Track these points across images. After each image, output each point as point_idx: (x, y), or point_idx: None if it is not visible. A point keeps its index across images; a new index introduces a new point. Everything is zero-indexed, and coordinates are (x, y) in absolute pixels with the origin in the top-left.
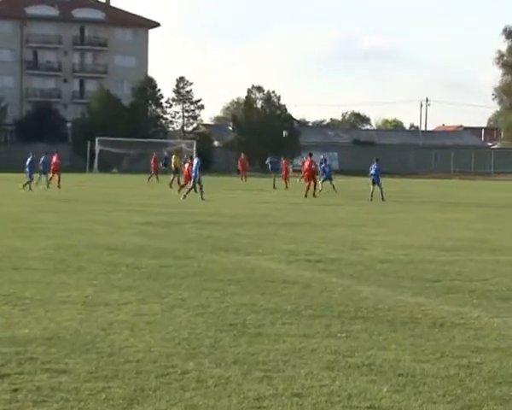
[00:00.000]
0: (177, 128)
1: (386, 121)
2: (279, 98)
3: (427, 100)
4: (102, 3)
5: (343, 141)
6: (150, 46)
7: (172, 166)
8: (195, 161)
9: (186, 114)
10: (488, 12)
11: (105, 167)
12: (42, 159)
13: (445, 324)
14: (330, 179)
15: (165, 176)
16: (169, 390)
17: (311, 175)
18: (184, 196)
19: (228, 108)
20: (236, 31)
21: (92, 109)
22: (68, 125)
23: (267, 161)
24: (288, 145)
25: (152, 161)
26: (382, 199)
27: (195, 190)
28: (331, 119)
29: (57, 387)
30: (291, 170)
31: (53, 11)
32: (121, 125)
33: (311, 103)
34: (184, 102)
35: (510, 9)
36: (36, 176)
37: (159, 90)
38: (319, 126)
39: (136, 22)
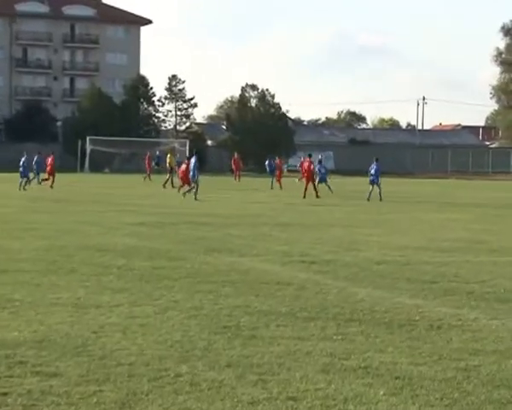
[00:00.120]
0: (169, 127)
1: (382, 120)
2: (273, 97)
3: (423, 98)
4: (93, 0)
5: (339, 140)
6: (142, 44)
7: (167, 165)
8: (193, 159)
9: (179, 113)
10: (486, 9)
11: (96, 167)
12: (35, 159)
13: (443, 326)
14: (325, 181)
15: (157, 176)
16: (162, 394)
17: (311, 176)
18: (195, 198)
19: (221, 106)
20: (230, 28)
21: (83, 108)
22: (59, 123)
23: (267, 163)
24: (283, 144)
25: (146, 161)
26: (380, 199)
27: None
28: (326, 117)
29: (48, 391)
30: (285, 170)
31: (43, 8)
32: (113, 124)
33: (306, 102)
34: (177, 101)
35: (508, 7)
36: (30, 175)
37: (151, 88)
38: (314, 125)
39: (127, 19)
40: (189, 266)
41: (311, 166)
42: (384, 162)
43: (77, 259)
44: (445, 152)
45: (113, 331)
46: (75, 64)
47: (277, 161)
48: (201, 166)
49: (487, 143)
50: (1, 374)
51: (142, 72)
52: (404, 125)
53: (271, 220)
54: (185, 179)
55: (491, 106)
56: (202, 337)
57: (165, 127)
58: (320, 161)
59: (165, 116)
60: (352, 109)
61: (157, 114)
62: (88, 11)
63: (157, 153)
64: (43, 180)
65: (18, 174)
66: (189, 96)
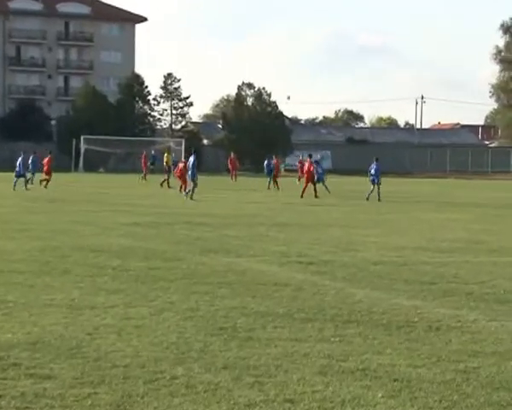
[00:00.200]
0: (165, 126)
1: (380, 119)
2: (270, 95)
3: (422, 97)
4: None
5: (336, 139)
6: (137, 41)
7: (164, 164)
8: (191, 158)
9: (174, 112)
10: (485, 8)
11: (91, 167)
12: (31, 158)
13: (442, 327)
14: (322, 181)
15: (152, 176)
16: (157, 396)
17: (311, 176)
18: (191, 197)
19: (217, 105)
20: (227, 26)
21: (77, 107)
22: (53, 122)
23: (266, 163)
24: (280, 144)
25: (142, 160)
26: (378, 199)
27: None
28: (324, 116)
29: (42, 393)
30: (282, 169)
31: (37, 5)
32: (107, 123)
33: (303, 101)
34: (172, 100)
35: (507, 4)
36: (27, 175)
37: (146, 86)
38: (312, 124)
39: (122, 17)
40: (185, 267)
41: (312, 167)
42: (382, 162)
43: (71, 260)
44: (444, 151)
45: (107, 333)
46: (69, 62)
47: (274, 160)
48: (198, 166)
49: (487, 142)
50: None
51: (137, 70)
52: (402, 124)
53: (268, 221)
54: (182, 178)
55: (491, 105)
56: (198, 339)
57: (161, 126)
58: (317, 162)
59: (161, 115)
60: (349, 108)
61: (152, 113)
62: (82, 9)
63: (152, 152)
64: (42, 181)
65: (12, 174)
66: (184, 94)
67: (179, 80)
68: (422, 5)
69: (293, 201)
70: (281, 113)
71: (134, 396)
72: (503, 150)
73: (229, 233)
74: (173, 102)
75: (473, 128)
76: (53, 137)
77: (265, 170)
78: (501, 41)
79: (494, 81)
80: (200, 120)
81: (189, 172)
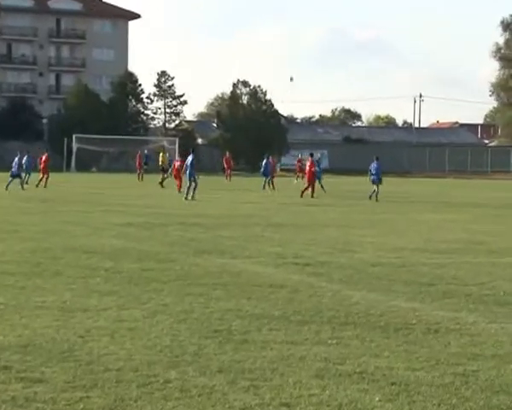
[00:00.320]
0: (158, 125)
1: (377, 118)
2: (265, 93)
3: (420, 95)
4: None
5: (333, 138)
6: (130, 39)
7: (160, 164)
8: (190, 158)
9: (168, 110)
10: (484, 5)
11: (83, 166)
12: (25, 158)
13: (440, 330)
14: (319, 179)
15: (147, 175)
16: (151, 400)
17: (312, 176)
18: (192, 198)
19: (212, 103)
20: (222, 23)
21: (69, 105)
22: (44, 121)
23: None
24: (276, 143)
25: (137, 160)
26: (376, 200)
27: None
28: (320, 115)
29: (33, 397)
30: (278, 169)
31: (28, 2)
32: (100, 122)
33: (299, 99)
34: (166, 98)
35: (507, 2)
36: (22, 175)
37: (139, 85)
38: (308, 123)
39: (115, 13)
40: (179, 269)
41: (313, 167)
42: (380, 161)
43: (63, 261)
44: (443, 151)
45: (100, 336)
46: (61, 60)
47: (270, 160)
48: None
49: (486, 141)
50: None
51: (130, 68)
52: (400, 122)
53: (264, 221)
54: (178, 178)
55: (490, 103)
56: (192, 342)
57: (154, 125)
58: (317, 161)
59: (154, 114)
60: (346, 107)
61: (146, 112)
62: (74, 5)
63: (145, 151)
64: (40, 180)
65: (2, 173)
66: (178, 92)
67: (173, 78)
68: (421, 2)
69: (289, 201)
70: (276, 111)
71: (127, 400)
72: (503, 150)
73: (224, 234)
74: (167, 100)
75: (472, 127)
76: (44, 136)
77: (262, 169)
78: (500, 39)
79: (494, 79)
80: (195, 119)
81: (187, 172)
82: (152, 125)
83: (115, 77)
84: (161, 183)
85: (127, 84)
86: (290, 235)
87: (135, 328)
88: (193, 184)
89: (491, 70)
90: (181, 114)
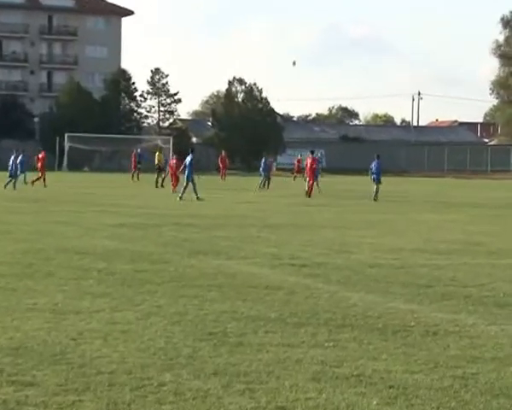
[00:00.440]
0: (152, 123)
1: (375, 116)
2: (261, 91)
3: (419, 93)
4: None
5: (330, 137)
6: (123, 36)
7: (156, 163)
8: (189, 158)
9: (162, 109)
10: (483, 2)
11: (75, 165)
12: (20, 158)
13: (439, 332)
14: (316, 179)
15: (142, 175)
16: (144, 404)
17: (314, 174)
18: (197, 198)
19: (207, 101)
20: (217, 19)
21: (61, 103)
22: (35, 119)
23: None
24: (272, 141)
25: (132, 159)
26: (374, 199)
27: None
28: (317, 113)
29: (24, 401)
30: (274, 168)
31: None
32: (92, 121)
33: (295, 97)
34: (160, 96)
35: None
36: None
37: (133, 83)
38: (304, 121)
39: (108, 10)
40: (173, 270)
41: (314, 164)
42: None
43: (55, 262)
44: (442, 150)
45: (92, 338)
46: (53, 57)
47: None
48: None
49: (486, 140)
50: None
51: (124, 65)
52: (398, 121)
53: (260, 221)
54: (174, 176)
55: (490, 101)
56: (187, 344)
57: (148, 124)
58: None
59: (148, 112)
60: (343, 105)
61: (139, 110)
62: (66, 1)
63: (138, 151)
64: (37, 180)
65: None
66: (172, 90)
67: (167, 76)
68: None
69: (285, 201)
70: (272, 109)
71: (120, 404)
72: (503, 148)
73: (219, 234)
74: (161, 98)
75: (471, 126)
76: (35, 135)
77: (261, 168)
78: (500, 36)
79: (493, 77)
80: (189, 117)
81: (185, 173)
82: (145, 124)
83: (108, 74)
84: (162, 183)
85: (120, 82)
86: (286, 235)
87: (128, 330)
88: (190, 184)
89: (491, 68)
90: (175, 113)
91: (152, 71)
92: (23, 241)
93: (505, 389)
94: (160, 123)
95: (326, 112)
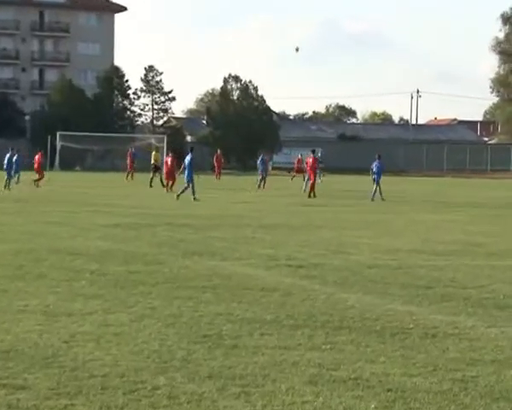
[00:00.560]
0: (145, 122)
1: (373, 114)
2: (257, 89)
3: (417, 91)
4: None
5: (327, 136)
6: (116, 32)
7: (152, 162)
8: (188, 157)
9: (156, 107)
10: None
11: (67, 165)
12: (15, 158)
13: (438, 334)
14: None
15: (137, 174)
16: (138, 408)
17: (314, 173)
18: (194, 198)
19: (202, 99)
20: (212, 16)
21: (53, 101)
22: (27, 118)
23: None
24: (268, 140)
25: (128, 158)
26: (372, 199)
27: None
28: (314, 112)
29: (15, 404)
30: (270, 168)
31: None
32: (85, 119)
33: (292, 95)
34: (154, 94)
35: None
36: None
37: (126, 80)
38: (301, 120)
39: (100, 6)
40: (167, 271)
41: (315, 163)
42: (375, 160)
43: (46, 263)
44: (441, 148)
45: (85, 341)
46: (44, 54)
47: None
48: (180, 164)
49: (485, 138)
50: None
51: (117, 62)
52: (396, 119)
53: (255, 222)
54: (169, 176)
55: (490, 99)
56: (181, 347)
57: (142, 122)
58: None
59: (142, 110)
60: (341, 103)
61: (132, 108)
62: None
63: (132, 149)
64: (36, 181)
65: None
66: (166, 88)
67: (161, 73)
68: None
69: (282, 201)
70: (268, 108)
71: (113, 408)
72: (503, 147)
73: (214, 235)
74: (155, 96)
75: (471, 124)
76: (27, 134)
77: (260, 168)
78: (500, 33)
79: (493, 75)
80: (184, 116)
81: (185, 173)
82: (139, 122)
83: (101, 72)
84: (150, 183)
85: (113, 80)
86: (283, 236)
87: (121, 333)
88: (190, 185)
89: (491, 66)
90: (169, 111)
91: (146, 68)
92: (14, 241)
93: (505, 392)
94: (154, 121)
95: (323, 110)
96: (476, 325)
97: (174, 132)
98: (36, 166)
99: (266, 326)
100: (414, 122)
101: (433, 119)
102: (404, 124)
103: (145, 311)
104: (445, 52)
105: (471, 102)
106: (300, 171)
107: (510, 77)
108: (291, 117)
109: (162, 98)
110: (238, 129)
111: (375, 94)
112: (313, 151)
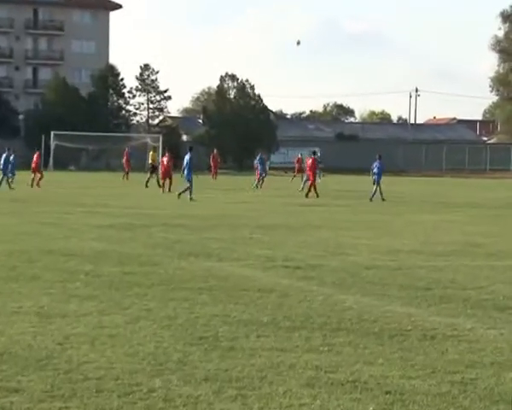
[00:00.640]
0: (141, 121)
1: (372, 113)
2: (254, 88)
3: (416, 90)
4: None
5: (325, 135)
6: (111, 30)
7: (150, 161)
8: (187, 157)
9: (151, 106)
10: None
11: (61, 164)
12: (11, 158)
13: (437, 336)
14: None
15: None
16: None
17: (314, 174)
18: (190, 198)
19: (198, 98)
20: (208, 14)
21: (47, 100)
22: (20, 117)
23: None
24: (265, 140)
25: (124, 157)
26: (370, 199)
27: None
28: (311, 111)
29: (9, 407)
30: (268, 168)
31: None
32: (79, 118)
33: (289, 94)
34: (149, 92)
35: None
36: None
37: (121, 79)
38: (298, 119)
39: (95, 3)
40: (163, 272)
41: (315, 165)
42: (374, 159)
43: (40, 264)
44: (440, 148)
45: (79, 343)
46: (38, 52)
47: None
48: (176, 163)
49: (485, 138)
50: None
51: (112, 61)
52: (395, 118)
53: (253, 222)
54: (165, 176)
55: (489, 98)
56: (177, 349)
57: (137, 121)
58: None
59: (137, 109)
60: (339, 102)
61: (128, 107)
62: None
63: (128, 149)
64: (37, 181)
65: None
66: (162, 87)
67: (157, 72)
68: None
69: (279, 201)
70: (265, 107)
71: None
72: (503, 147)
73: (211, 236)
74: (150, 95)
75: (470, 123)
76: (20, 133)
77: (259, 167)
78: (499, 32)
79: (493, 74)
80: (180, 115)
81: (185, 172)
82: (134, 122)
83: (95, 70)
84: (146, 183)
85: (108, 78)
86: (280, 237)
87: (116, 335)
88: (189, 184)
89: (491, 64)
90: (165, 110)
91: (141, 67)
92: (8, 242)
93: (505, 394)
94: (150, 120)
95: (321, 109)
96: (475, 326)
97: (170, 132)
98: (34, 166)
99: (263, 328)
100: (413, 121)
101: (432, 118)
102: (403, 123)
103: (140, 313)
104: (445, 51)
105: (470, 101)
106: (301, 171)
107: (510, 75)
108: (288, 116)
109: (158, 97)
110: (235, 128)
111: (374, 93)
112: (314, 152)
